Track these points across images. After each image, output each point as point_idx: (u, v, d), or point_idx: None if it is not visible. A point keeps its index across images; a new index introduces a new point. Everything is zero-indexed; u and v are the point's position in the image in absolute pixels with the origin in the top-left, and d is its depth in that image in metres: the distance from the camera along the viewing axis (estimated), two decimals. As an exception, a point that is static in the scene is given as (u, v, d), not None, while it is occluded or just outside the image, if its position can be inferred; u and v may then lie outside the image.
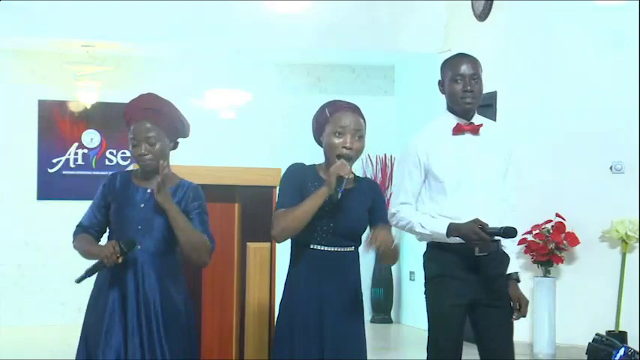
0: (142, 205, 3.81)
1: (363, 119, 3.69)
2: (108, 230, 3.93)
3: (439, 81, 4.09)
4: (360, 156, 3.69)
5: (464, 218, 3.86)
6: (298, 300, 3.64)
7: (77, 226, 3.96)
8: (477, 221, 3.79)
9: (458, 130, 3.96)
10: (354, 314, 3.69)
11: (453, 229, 3.85)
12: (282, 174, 3.85)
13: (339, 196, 3.53)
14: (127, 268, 3.77)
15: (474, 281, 3.89)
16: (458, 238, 3.84)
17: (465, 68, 3.96)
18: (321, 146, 3.72)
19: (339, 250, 3.65)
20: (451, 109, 4.02)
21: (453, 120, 4.00)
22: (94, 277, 3.88)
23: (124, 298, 3.77)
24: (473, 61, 4.01)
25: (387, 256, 3.57)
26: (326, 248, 3.63)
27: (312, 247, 3.63)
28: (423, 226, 3.93)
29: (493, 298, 3.94)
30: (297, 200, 3.60)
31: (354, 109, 3.69)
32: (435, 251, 3.98)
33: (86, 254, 3.86)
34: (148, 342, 3.73)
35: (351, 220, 3.65)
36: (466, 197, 3.90)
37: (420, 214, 3.94)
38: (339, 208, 3.61)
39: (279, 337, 3.68)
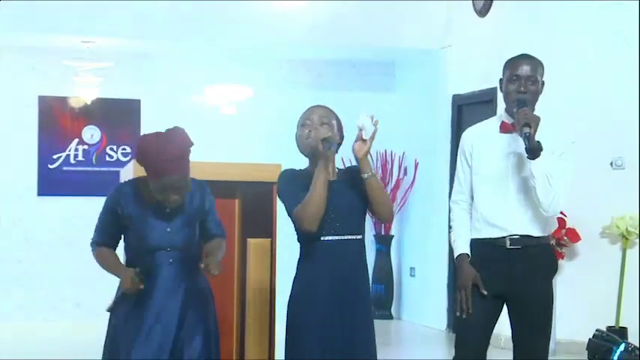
0: (169, 230, 3.79)
1: (334, 115, 3.82)
2: (124, 243, 3.91)
3: (500, 79, 4.08)
4: (336, 142, 3.76)
5: (498, 216, 3.93)
6: (310, 293, 3.70)
7: (91, 242, 3.91)
8: (476, 277, 3.90)
9: (504, 129, 3.97)
10: (366, 305, 3.78)
11: (457, 262, 3.99)
12: (282, 170, 3.87)
13: (333, 152, 3.70)
14: (160, 285, 3.78)
15: (506, 274, 3.91)
16: (490, 232, 3.94)
17: (522, 69, 3.97)
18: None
19: (350, 238, 3.73)
20: (507, 109, 4.01)
21: (505, 119, 4.01)
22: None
23: (163, 317, 3.77)
24: (532, 63, 4.01)
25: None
26: (336, 238, 3.71)
27: (322, 239, 3.70)
28: (452, 238, 4.07)
29: (525, 293, 3.94)
30: (305, 195, 3.67)
31: (322, 106, 3.87)
32: (471, 246, 4.03)
33: (109, 271, 3.86)
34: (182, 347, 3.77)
35: (352, 206, 3.74)
36: (502, 195, 3.93)
37: (460, 224, 4.03)
38: (339, 197, 3.70)
39: (295, 336, 3.71)
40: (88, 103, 9.30)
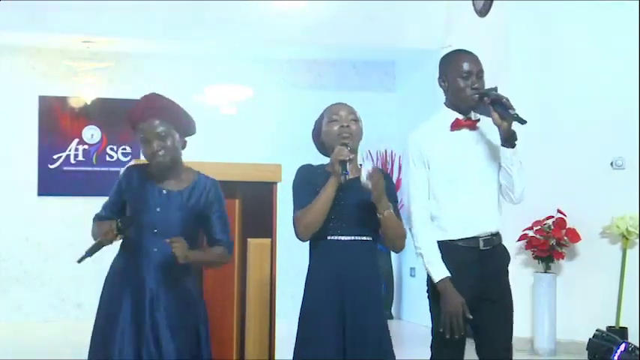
0: (159, 210, 3.80)
1: (358, 114, 3.83)
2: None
3: (440, 77, 4.07)
4: (359, 141, 3.78)
5: (468, 214, 3.89)
6: (319, 292, 3.71)
7: (94, 216, 3.95)
8: (463, 304, 3.79)
9: (456, 126, 3.96)
10: (376, 306, 3.76)
11: (441, 287, 3.83)
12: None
13: (346, 179, 3.63)
14: (142, 270, 3.77)
15: (478, 276, 3.89)
16: (462, 232, 3.88)
17: (471, 65, 3.96)
18: (327, 155, 3.80)
19: (356, 239, 3.72)
20: (452, 104, 4.00)
21: (453, 115, 3.99)
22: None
23: (138, 301, 3.76)
24: (477, 58, 4.01)
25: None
26: (342, 238, 3.71)
27: (328, 238, 3.71)
28: (425, 260, 3.89)
29: (495, 291, 3.93)
30: (313, 199, 3.67)
31: (346, 104, 3.85)
32: (440, 250, 3.95)
33: (94, 236, 3.85)
34: (157, 344, 3.74)
35: (363, 207, 3.71)
36: (464, 192, 3.91)
37: (431, 242, 3.88)
38: (351, 196, 3.69)
39: (304, 337, 3.72)
40: (88, 103, 9.31)
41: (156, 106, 3.83)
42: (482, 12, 8.21)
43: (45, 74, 9.24)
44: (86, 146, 9.38)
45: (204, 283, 4.35)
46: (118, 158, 9.39)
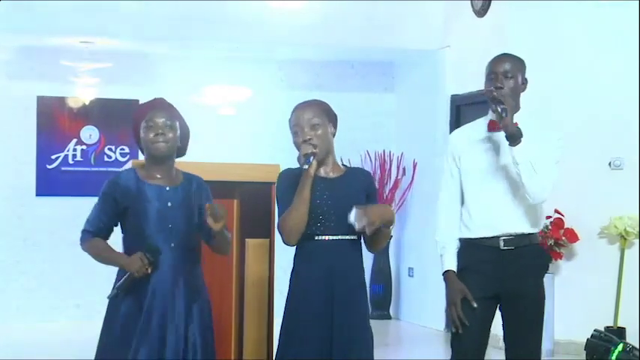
0: (170, 204, 3.82)
1: (324, 109, 3.76)
2: (123, 232, 3.90)
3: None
4: (328, 144, 3.75)
5: (490, 214, 3.93)
6: (306, 292, 3.69)
7: (83, 231, 3.91)
8: (463, 290, 3.89)
9: (492, 127, 3.97)
10: (361, 306, 3.75)
11: (445, 278, 3.99)
12: (280, 170, 3.88)
13: (308, 166, 3.62)
14: (163, 267, 3.78)
15: (499, 275, 3.92)
16: (483, 231, 3.93)
17: (496, 66, 3.98)
18: None
19: (343, 238, 3.71)
20: (490, 107, 4.02)
21: (493, 117, 3.99)
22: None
23: (164, 298, 3.77)
24: (510, 60, 4.02)
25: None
26: (329, 237, 3.70)
27: (316, 238, 3.70)
28: (439, 247, 4.04)
29: (519, 294, 3.94)
30: None
31: (309, 105, 3.77)
32: (463, 246, 4.02)
33: (106, 261, 3.85)
34: (185, 340, 3.78)
35: (348, 207, 3.68)
36: (493, 193, 3.94)
37: (448, 234, 4.02)
38: (337, 196, 3.70)
39: (287, 330, 3.72)
40: (87, 103, 9.30)
41: (163, 104, 3.93)
42: (481, 12, 8.22)
43: (43, 74, 9.23)
44: (84, 146, 9.38)
45: (202, 284, 4.35)
46: (116, 158, 9.38)
